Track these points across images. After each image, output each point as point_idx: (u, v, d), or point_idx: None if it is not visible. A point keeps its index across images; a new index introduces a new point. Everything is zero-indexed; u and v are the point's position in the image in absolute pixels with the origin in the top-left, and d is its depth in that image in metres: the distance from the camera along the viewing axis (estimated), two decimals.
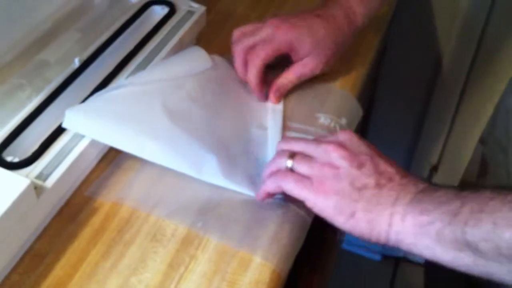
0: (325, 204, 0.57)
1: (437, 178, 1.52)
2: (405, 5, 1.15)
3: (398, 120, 1.48)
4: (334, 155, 0.58)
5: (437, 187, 0.55)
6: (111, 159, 0.69)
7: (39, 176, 0.59)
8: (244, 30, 0.78)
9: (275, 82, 0.77)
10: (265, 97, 0.78)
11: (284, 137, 0.71)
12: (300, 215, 0.64)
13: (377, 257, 1.77)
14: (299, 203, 0.61)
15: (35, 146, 0.62)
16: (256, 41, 0.76)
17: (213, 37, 0.89)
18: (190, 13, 0.82)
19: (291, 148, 0.63)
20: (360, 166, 0.57)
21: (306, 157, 0.60)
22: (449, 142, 1.48)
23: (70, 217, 0.63)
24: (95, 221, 0.63)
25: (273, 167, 0.63)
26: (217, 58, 0.79)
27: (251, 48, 0.75)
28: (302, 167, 0.60)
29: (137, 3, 0.82)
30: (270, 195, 0.63)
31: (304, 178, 0.59)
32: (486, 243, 0.48)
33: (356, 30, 0.79)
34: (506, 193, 0.49)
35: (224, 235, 0.61)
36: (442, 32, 1.29)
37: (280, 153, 0.63)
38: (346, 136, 0.61)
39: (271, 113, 0.76)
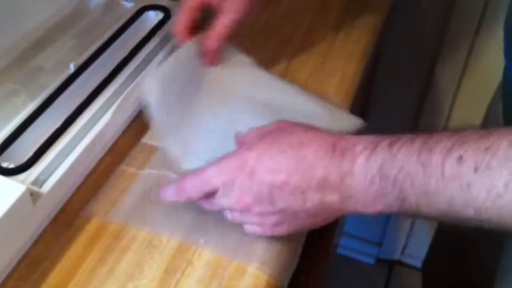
0: (286, 233, 0.58)
1: None
2: (398, 11, 1.15)
3: (391, 125, 1.48)
4: (238, 207, 0.57)
5: (349, 167, 0.53)
6: (108, 164, 0.69)
7: (35, 182, 0.59)
8: None
9: (204, 44, 0.75)
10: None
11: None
12: None
13: (371, 261, 1.77)
14: None
15: (30, 152, 0.62)
16: None
17: None
18: None
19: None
20: (271, 202, 0.55)
21: (234, 212, 0.59)
22: None
23: (66, 223, 0.63)
24: (91, 227, 0.63)
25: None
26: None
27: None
28: (240, 221, 0.60)
29: (132, 8, 0.82)
30: None
31: (252, 227, 0.59)
32: (448, 217, 0.49)
33: None
34: (436, 162, 0.47)
35: (218, 246, 0.61)
36: (435, 38, 1.30)
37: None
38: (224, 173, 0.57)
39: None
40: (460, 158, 0.46)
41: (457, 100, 1.38)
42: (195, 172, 0.59)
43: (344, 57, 0.82)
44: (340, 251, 1.74)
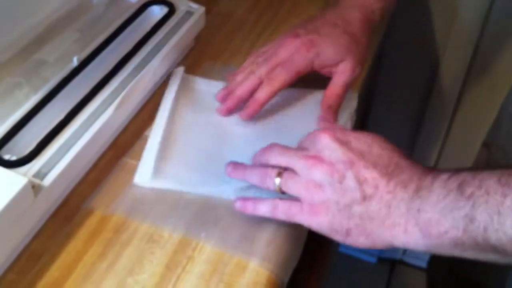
0: (320, 225, 0.56)
1: None
2: (402, 10, 1.15)
3: (395, 125, 1.48)
4: (315, 173, 0.56)
5: (429, 180, 0.52)
6: (110, 158, 0.69)
7: (36, 175, 0.59)
8: (258, 53, 0.77)
9: (324, 102, 0.74)
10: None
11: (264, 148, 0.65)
12: None
13: (373, 260, 1.77)
14: None
15: (33, 145, 0.62)
16: (272, 65, 0.74)
17: (212, 38, 0.89)
18: (189, 13, 0.82)
19: (275, 160, 0.60)
20: (341, 179, 0.55)
21: (293, 176, 0.58)
22: (446, 147, 1.48)
23: (67, 217, 0.63)
24: (92, 221, 0.63)
25: (260, 183, 0.61)
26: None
27: (268, 73, 0.74)
28: (290, 189, 0.58)
29: (136, 3, 0.82)
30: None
31: (292, 202, 0.58)
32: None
33: (373, 25, 0.78)
34: None
35: (220, 241, 0.61)
36: (439, 38, 1.29)
37: (267, 170, 0.61)
38: (323, 142, 0.57)
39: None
40: None
41: (461, 100, 1.38)
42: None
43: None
44: (342, 249, 1.74)
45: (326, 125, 0.67)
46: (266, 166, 0.61)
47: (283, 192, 0.59)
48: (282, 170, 0.59)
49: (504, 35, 1.22)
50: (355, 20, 0.75)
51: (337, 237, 0.56)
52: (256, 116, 0.74)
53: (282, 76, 0.72)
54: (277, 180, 0.59)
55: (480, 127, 1.37)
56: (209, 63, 0.84)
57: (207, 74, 0.82)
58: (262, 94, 0.73)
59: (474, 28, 1.23)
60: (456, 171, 0.51)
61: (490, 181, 0.48)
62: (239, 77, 0.75)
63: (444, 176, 0.51)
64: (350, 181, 0.54)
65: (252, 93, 0.73)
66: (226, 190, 0.65)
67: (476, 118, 1.38)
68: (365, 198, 0.54)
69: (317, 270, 1.18)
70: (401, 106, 1.45)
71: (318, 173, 0.56)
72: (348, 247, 1.73)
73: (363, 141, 0.57)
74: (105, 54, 0.74)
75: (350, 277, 1.72)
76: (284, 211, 0.58)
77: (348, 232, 0.55)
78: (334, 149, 0.56)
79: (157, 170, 0.67)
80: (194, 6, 0.83)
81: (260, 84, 0.73)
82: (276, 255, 0.60)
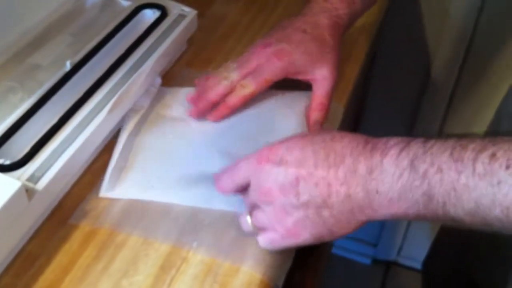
0: (305, 241, 0.57)
1: None
2: (395, 11, 1.16)
3: (388, 124, 1.48)
4: (273, 203, 0.57)
5: (380, 159, 0.52)
6: (103, 161, 0.70)
7: (30, 179, 0.59)
8: (232, 60, 0.78)
9: (310, 116, 0.75)
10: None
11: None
12: None
13: (368, 262, 1.77)
14: None
15: (26, 149, 0.62)
16: (244, 73, 0.75)
17: (205, 42, 0.89)
18: (182, 17, 0.82)
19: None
20: (297, 196, 0.55)
21: (259, 211, 0.59)
22: None
23: (61, 219, 0.63)
24: (86, 223, 0.63)
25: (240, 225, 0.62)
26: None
27: (239, 81, 0.75)
28: (261, 223, 0.59)
29: (129, 6, 0.82)
30: None
31: (269, 234, 0.59)
32: (473, 217, 0.47)
33: (342, 29, 0.79)
34: (468, 159, 0.47)
35: (211, 248, 0.61)
36: (432, 38, 1.30)
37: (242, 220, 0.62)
38: (261, 172, 0.58)
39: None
40: (493, 155, 0.46)
41: (454, 100, 1.38)
42: (230, 165, 0.61)
43: (341, 58, 0.83)
44: (336, 251, 1.75)
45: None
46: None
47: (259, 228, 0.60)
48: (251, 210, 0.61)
49: (496, 33, 1.23)
50: (324, 26, 0.77)
51: (326, 240, 0.57)
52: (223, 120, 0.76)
53: (253, 85, 0.74)
54: (249, 219, 0.60)
55: (475, 127, 1.38)
56: (194, 69, 0.85)
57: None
58: (233, 99, 0.75)
59: (467, 27, 1.24)
60: (405, 143, 0.52)
61: (442, 156, 0.48)
62: (210, 82, 0.76)
63: (393, 152, 0.52)
64: (305, 194, 0.55)
65: (223, 97, 0.75)
66: (187, 196, 0.66)
67: (469, 116, 1.38)
68: (325, 200, 0.55)
69: (311, 273, 1.18)
70: (394, 105, 1.46)
71: (276, 202, 0.57)
72: (342, 248, 1.74)
73: (293, 147, 0.57)
74: (98, 58, 0.74)
75: (344, 279, 1.72)
76: (268, 243, 0.60)
77: (331, 232, 0.56)
78: (274, 174, 0.56)
79: (117, 181, 0.68)
80: (187, 9, 0.83)
81: (231, 90, 0.75)
82: (268, 259, 0.60)
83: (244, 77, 0.75)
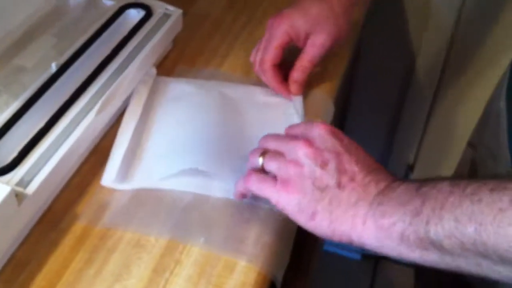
0: (287, 202, 0.57)
1: (414, 177, 1.53)
2: (378, 6, 1.16)
3: (373, 120, 1.49)
4: (300, 153, 0.57)
5: (398, 183, 0.54)
6: (93, 163, 0.69)
7: (19, 183, 0.58)
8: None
9: (291, 75, 0.78)
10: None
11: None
12: (283, 216, 0.64)
13: (358, 257, 1.77)
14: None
15: (14, 153, 0.61)
16: (259, 48, 0.79)
17: (190, 40, 0.89)
18: (166, 16, 0.82)
19: (267, 145, 0.62)
20: (323, 164, 0.56)
21: (276, 154, 0.59)
22: (425, 141, 1.50)
23: (52, 224, 0.62)
24: (77, 227, 0.62)
25: (248, 166, 0.63)
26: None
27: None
28: (270, 166, 0.59)
29: (113, 6, 0.82)
30: (244, 195, 0.64)
31: (267, 177, 0.59)
32: (450, 240, 0.47)
33: (355, 5, 0.80)
34: (464, 185, 0.48)
35: (206, 243, 0.61)
36: (415, 33, 1.30)
37: (254, 151, 0.62)
38: (318, 131, 0.59)
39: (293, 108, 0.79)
40: (484, 184, 0.47)
41: (438, 94, 1.39)
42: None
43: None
44: (326, 247, 1.75)
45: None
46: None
47: (265, 172, 0.60)
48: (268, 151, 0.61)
49: (478, 29, 1.24)
50: None
51: (301, 219, 0.56)
52: (231, 112, 0.76)
53: (267, 55, 0.78)
54: (260, 160, 0.60)
55: (458, 120, 1.39)
56: (185, 67, 0.84)
57: (184, 77, 0.82)
58: (268, 81, 0.80)
59: (449, 22, 1.24)
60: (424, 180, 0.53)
61: (445, 182, 0.50)
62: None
63: (412, 181, 0.54)
64: (330, 169, 0.56)
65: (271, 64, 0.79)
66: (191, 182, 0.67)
67: (454, 111, 1.39)
68: (339, 185, 0.55)
69: (302, 269, 1.18)
70: (379, 101, 1.46)
71: (302, 153, 0.57)
72: (333, 245, 1.74)
73: (356, 145, 0.59)
74: (83, 59, 0.73)
75: (335, 274, 1.73)
76: (256, 181, 0.59)
77: (313, 215, 0.55)
78: (326, 140, 0.58)
79: (126, 171, 0.68)
80: (171, 8, 0.83)
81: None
82: (265, 253, 0.60)
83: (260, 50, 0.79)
